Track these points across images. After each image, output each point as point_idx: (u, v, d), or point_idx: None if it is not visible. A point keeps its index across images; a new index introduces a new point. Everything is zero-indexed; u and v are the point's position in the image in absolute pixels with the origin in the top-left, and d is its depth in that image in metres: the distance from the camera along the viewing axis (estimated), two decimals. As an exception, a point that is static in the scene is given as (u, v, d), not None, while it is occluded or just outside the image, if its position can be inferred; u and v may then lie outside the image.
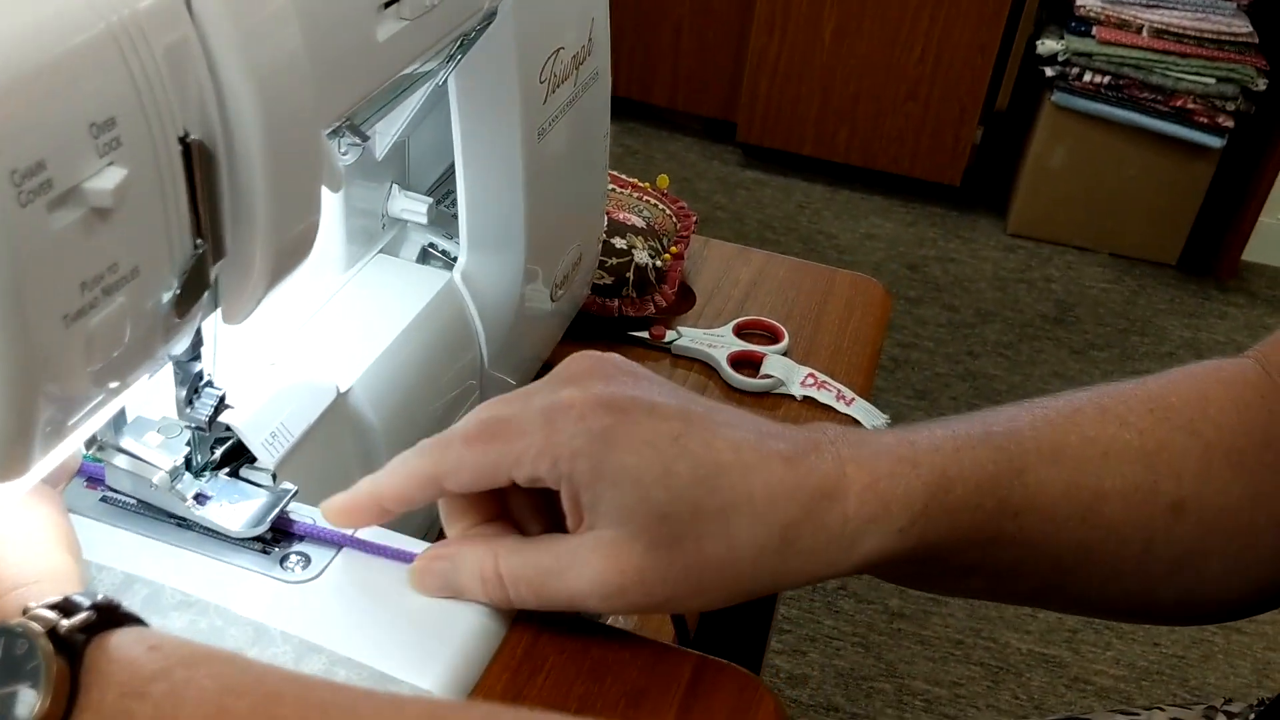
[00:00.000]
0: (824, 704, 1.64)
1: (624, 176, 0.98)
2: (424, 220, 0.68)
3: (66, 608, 0.39)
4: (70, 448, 0.41)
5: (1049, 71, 2.50)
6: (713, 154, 2.85)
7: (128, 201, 0.36)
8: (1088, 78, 2.45)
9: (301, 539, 0.50)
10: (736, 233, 2.56)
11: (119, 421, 0.50)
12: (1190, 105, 2.43)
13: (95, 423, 0.41)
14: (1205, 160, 2.50)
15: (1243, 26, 2.42)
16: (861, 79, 2.62)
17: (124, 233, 0.37)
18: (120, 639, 0.39)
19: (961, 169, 2.67)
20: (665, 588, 0.43)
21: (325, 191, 0.63)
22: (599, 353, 0.47)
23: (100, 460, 0.50)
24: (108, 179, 0.35)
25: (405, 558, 0.48)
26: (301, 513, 0.51)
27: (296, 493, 0.51)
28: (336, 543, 0.49)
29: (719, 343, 0.89)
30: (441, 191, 0.72)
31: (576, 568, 0.44)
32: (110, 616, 0.40)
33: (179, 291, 0.40)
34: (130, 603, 0.47)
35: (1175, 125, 2.46)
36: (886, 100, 2.63)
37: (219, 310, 0.46)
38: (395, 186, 0.69)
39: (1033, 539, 0.47)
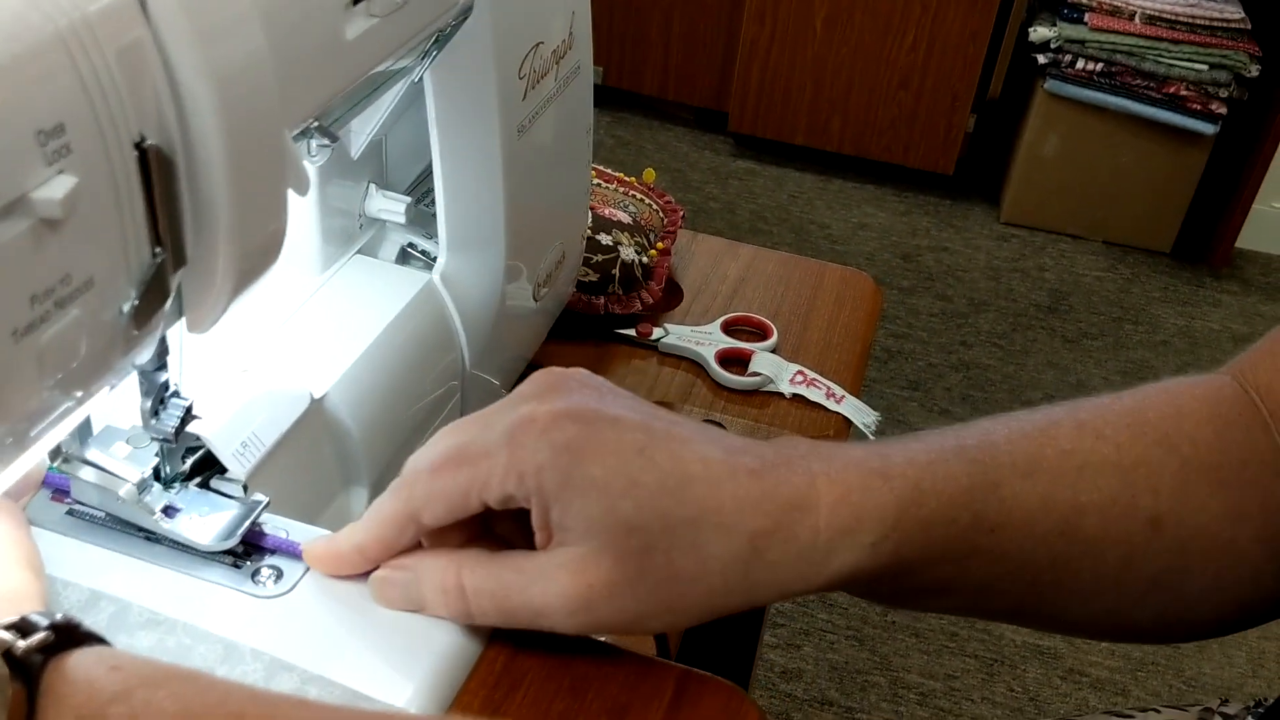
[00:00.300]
0: (818, 698, 1.63)
1: (610, 171, 0.96)
2: (402, 220, 0.67)
3: (23, 628, 0.38)
4: (31, 460, 0.39)
5: (1041, 59, 2.48)
6: (704, 144, 2.84)
7: (79, 211, 0.35)
8: (1080, 65, 2.44)
9: (274, 552, 0.49)
10: (729, 223, 2.54)
11: (84, 432, 0.48)
12: (1183, 92, 2.41)
13: (57, 435, 0.39)
14: (1198, 147, 2.49)
15: (1235, 13, 2.40)
16: (853, 68, 2.60)
17: (76, 243, 0.35)
18: (79, 659, 0.37)
19: (954, 158, 2.66)
20: (634, 603, 0.42)
21: (294, 195, 0.62)
22: (560, 369, 0.46)
23: (65, 473, 0.49)
24: (56, 188, 0.33)
25: None
26: (274, 524, 0.50)
27: (268, 504, 0.50)
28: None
29: (707, 340, 0.87)
30: (420, 190, 0.71)
31: (542, 582, 0.43)
32: (69, 636, 0.38)
33: (138, 302, 0.38)
34: (96, 620, 0.46)
35: (1168, 112, 2.44)
36: (879, 89, 2.61)
37: (183, 319, 0.45)
38: (373, 185, 0.67)
39: (1009, 554, 0.46)
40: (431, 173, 0.65)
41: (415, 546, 0.47)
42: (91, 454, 0.48)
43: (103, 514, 0.50)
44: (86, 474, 0.48)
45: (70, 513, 0.50)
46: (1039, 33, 2.48)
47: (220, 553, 0.48)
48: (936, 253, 2.57)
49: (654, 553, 0.42)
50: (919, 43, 2.54)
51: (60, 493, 0.50)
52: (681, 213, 0.96)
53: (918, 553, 0.44)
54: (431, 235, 0.68)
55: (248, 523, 0.49)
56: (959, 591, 0.47)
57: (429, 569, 0.45)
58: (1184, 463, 0.47)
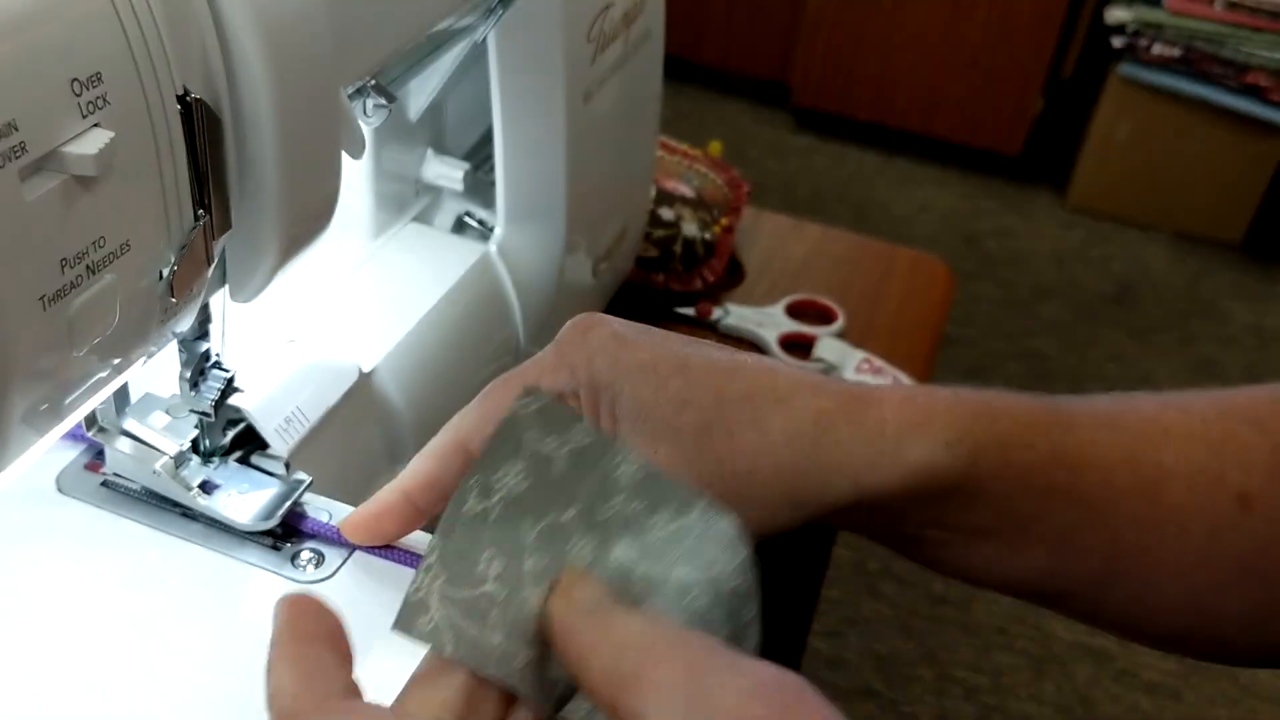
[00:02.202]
0: (862, 689, 1.60)
1: (673, 142, 0.93)
2: (459, 187, 0.64)
3: None
4: (64, 429, 0.37)
5: (1117, 42, 2.41)
6: (764, 118, 2.78)
7: (116, 168, 0.32)
8: (1157, 49, 2.36)
9: (314, 536, 0.46)
10: (786, 200, 2.49)
11: (121, 399, 0.46)
12: (1263, 82, 2.33)
13: (95, 400, 0.37)
14: (1275, 139, 2.41)
15: (1323, -1, 2.32)
16: (921, 43, 2.54)
17: (112, 203, 0.33)
18: None
19: (1022, 139, 2.59)
20: (700, 484, 0.39)
21: (347, 158, 0.59)
22: (598, 313, 0.44)
23: (101, 441, 0.46)
24: (91, 142, 0.31)
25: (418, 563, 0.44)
26: (316, 505, 0.47)
27: (311, 484, 0.47)
28: (350, 546, 0.45)
29: (769, 322, 0.84)
30: (479, 157, 0.68)
31: None
32: None
33: (177, 268, 0.36)
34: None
35: (1246, 101, 2.36)
36: (947, 66, 2.55)
37: (226, 287, 0.42)
38: (430, 151, 0.65)
39: (1090, 501, 0.43)
40: (490, 139, 0.62)
41: None
42: (128, 424, 0.46)
43: (138, 487, 0.47)
44: (122, 444, 0.46)
45: (105, 484, 0.48)
46: (1115, 15, 2.40)
47: (259, 533, 0.46)
48: (1000, 237, 2.51)
49: (712, 429, 0.40)
50: (991, 20, 2.47)
51: (96, 461, 0.48)
52: (746, 189, 0.93)
53: (995, 470, 0.41)
54: (489, 204, 0.65)
55: (289, 503, 0.46)
56: (1039, 539, 0.43)
57: None
58: (1276, 447, 0.44)
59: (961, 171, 2.68)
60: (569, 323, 0.43)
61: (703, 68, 2.80)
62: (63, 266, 0.32)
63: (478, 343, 0.61)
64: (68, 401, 0.36)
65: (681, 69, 2.80)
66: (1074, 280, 2.41)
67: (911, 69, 2.57)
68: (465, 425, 0.42)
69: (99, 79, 0.31)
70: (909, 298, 0.90)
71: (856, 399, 0.41)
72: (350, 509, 0.47)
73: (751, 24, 2.72)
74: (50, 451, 0.48)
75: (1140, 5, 2.38)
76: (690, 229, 0.85)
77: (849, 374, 0.80)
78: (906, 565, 1.77)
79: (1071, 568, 0.45)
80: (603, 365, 0.41)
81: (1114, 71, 2.44)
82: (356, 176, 0.61)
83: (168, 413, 0.48)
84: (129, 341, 0.36)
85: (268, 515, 0.46)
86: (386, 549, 0.45)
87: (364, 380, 0.52)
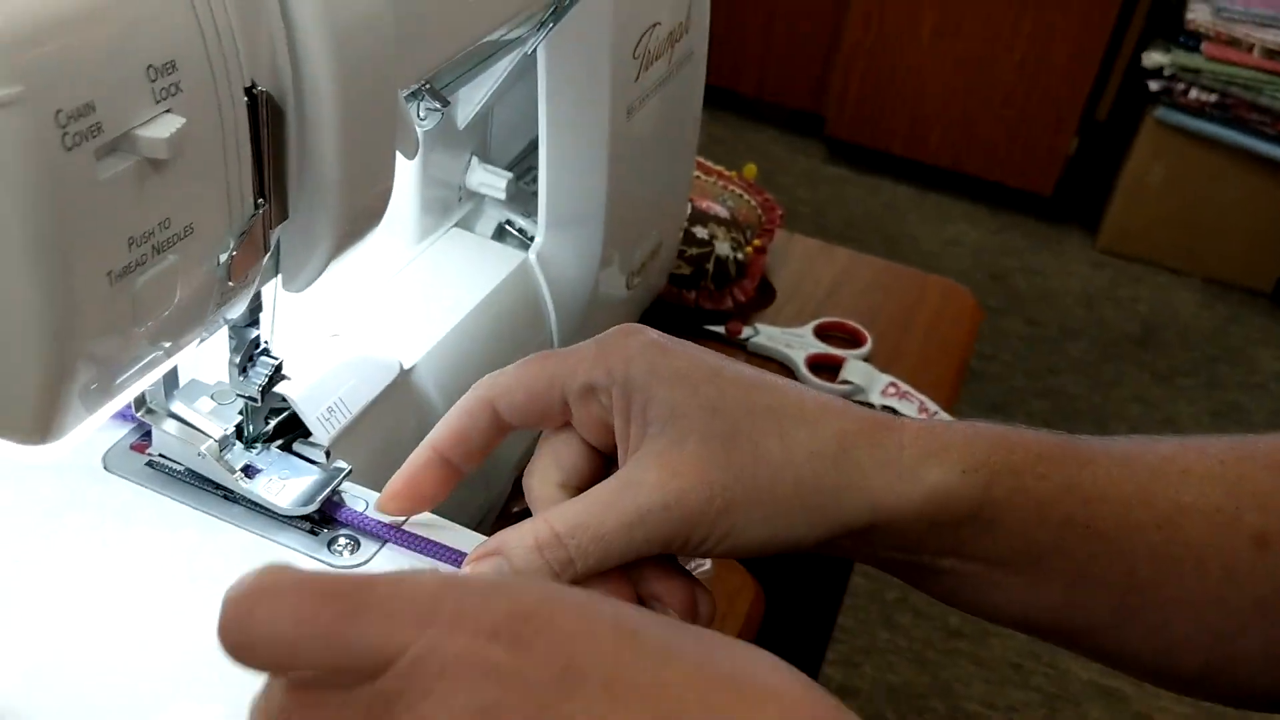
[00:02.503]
0: (874, 719, 1.60)
1: (710, 164, 0.94)
2: (502, 195, 0.66)
3: None
4: (117, 406, 0.38)
5: (1153, 85, 2.41)
6: (798, 147, 2.80)
7: (185, 153, 0.33)
8: (1193, 94, 2.36)
9: (349, 525, 0.47)
10: (818, 229, 2.51)
11: (170, 383, 0.47)
12: (1300, 130, 2.33)
13: (144, 382, 0.38)
14: (1311, 187, 2.40)
15: (1363, 50, 2.32)
16: (957, 79, 2.55)
17: (179, 187, 0.34)
18: None
19: (1054, 179, 2.60)
20: (724, 491, 0.40)
21: (401, 160, 0.61)
22: (640, 324, 0.46)
23: (148, 423, 0.48)
24: (163, 127, 0.32)
25: (453, 558, 0.45)
26: (354, 494, 0.48)
27: (350, 472, 0.48)
28: (382, 537, 0.47)
29: (797, 343, 0.85)
30: (523, 168, 0.69)
31: (632, 487, 0.41)
32: None
33: (235, 253, 0.37)
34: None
35: (1281, 149, 2.36)
36: (982, 103, 2.56)
37: (279, 276, 0.43)
38: (475, 159, 0.66)
39: (1106, 533, 0.43)
40: (534, 150, 0.64)
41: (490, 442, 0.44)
42: (176, 406, 0.48)
43: (182, 468, 0.49)
44: (169, 426, 0.47)
45: (150, 464, 0.49)
46: (1153, 59, 2.41)
47: (296, 518, 0.47)
48: (1028, 275, 2.51)
49: (739, 436, 0.41)
50: (1027, 59, 2.48)
51: (143, 441, 0.50)
52: (780, 212, 0.94)
53: (1010, 499, 0.42)
54: (530, 214, 0.66)
55: (328, 490, 0.47)
56: (1056, 573, 0.44)
57: (513, 535, 0.42)
58: None
59: (993, 208, 2.68)
60: (613, 328, 0.44)
61: (739, 95, 2.82)
62: (130, 245, 0.33)
63: (513, 347, 0.62)
64: (122, 379, 0.37)
65: (718, 96, 2.82)
66: (1101, 320, 2.41)
67: (946, 105, 2.58)
68: (496, 385, 0.44)
69: (173, 67, 0.32)
70: (936, 326, 0.91)
71: (878, 424, 0.43)
72: (387, 499, 0.48)
73: (788, 54, 2.74)
74: (99, 430, 0.50)
75: (1178, 50, 2.39)
76: (723, 248, 0.86)
77: (875, 397, 0.81)
78: (923, 596, 1.77)
79: (1088, 602, 0.45)
80: (640, 369, 0.42)
81: (1149, 115, 2.44)
82: (404, 181, 0.62)
83: (213, 398, 0.49)
84: (186, 322, 0.38)
85: (307, 501, 0.47)
86: (419, 541, 0.46)
87: (404, 376, 0.54)
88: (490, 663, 0.29)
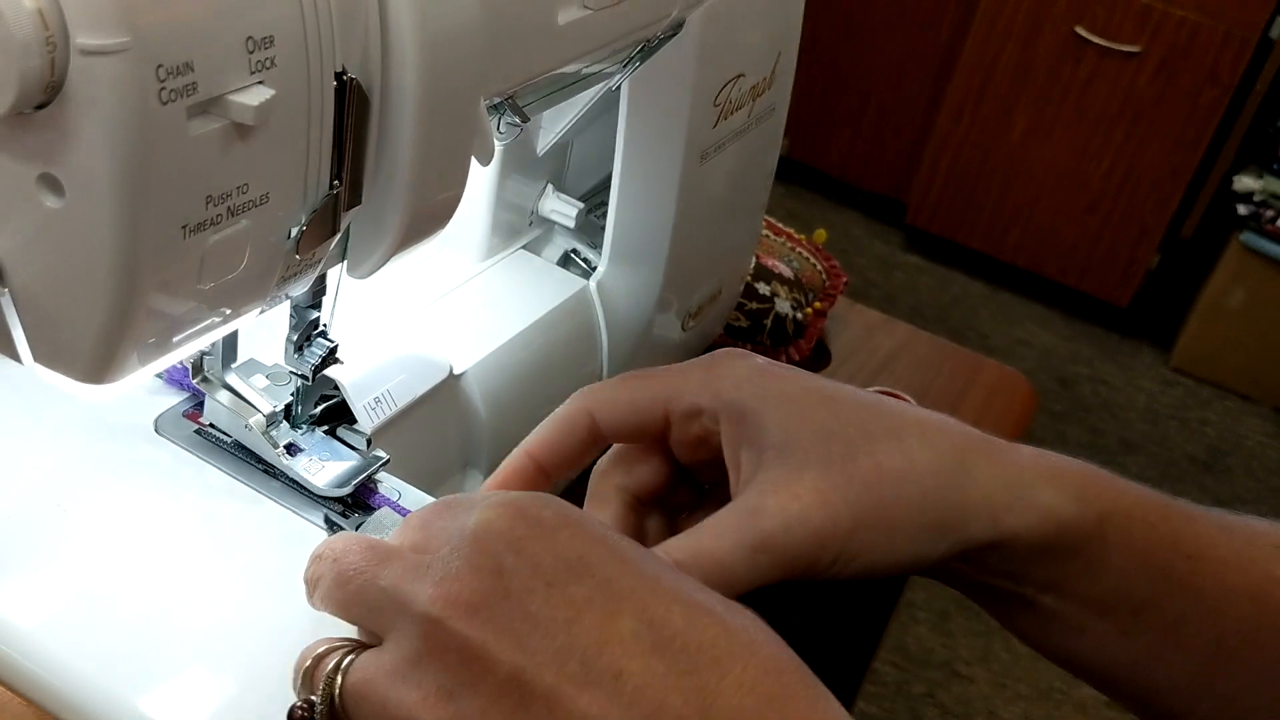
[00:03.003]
0: (887, 809, 1.57)
1: (780, 225, 0.96)
2: (571, 224, 0.67)
3: None
4: (173, 360, 0.40)
5: (1241, 209, 2.39)
6: (876, 231, 2.81)
7: (271, 124, 0.35)
8: (1281, 222, 2.35)
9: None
10: (886, 313, 2.50)
11: (229, 356, 0.49)
12: (1388, 270, 2.29)
13: (200, 343, 0.40)
14: (1394, 329, 2.36)
15: None
16: (1044, 182, 2.55)
17: (261, 156, 0.36)
18: None
19: (1132, 292, 2.58)
20: (847, 508, 0.39)
21: (478, 179, 0.62)
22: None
23: (203, 391, 0.50)
24: (254, 96, 0.34)
25: None
26: (389, 484, 0.50)
27: (387, 462, 0.50)
28: None
29: (847, 408, 0.85)
30: (595, 201, 0.71)
31: (755, 513, 0.39)
32: None
33: (305, 228, 0.39)
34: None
35: (1367, 288, 2.32)
36: (1066, 208, 2.55)
37: (344, 263, 0.45)
38: (550, 186, 0.68)
39: (1204, 592, 0.43)
40: (608, 185, 0.65)
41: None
42: (231, 379, 0.49)
43: (229, 440, 0.50)
44: (222, 397, 0.49)
45: (198, 432, 0.51)
46: (1244, 182, 2.39)
47: (331, 499, 0.49)
48: (1095, 384, 2.48)
49: (858, 455, 0.40)
50: (1116, 169, 2.48)
51: (194, 411, 0.51)
52: (845, 279, 0.95)
53: (1118, 540, 0.42)
54: (597, 245, 0.68)
55: (364, 475, 0.49)
56: (1150, 625, 0.43)
57: None
58: None
59: (1066, 314, 2.67)
60: (717, 350, 0.45)
61: (823, 174, 2.84)
62: (207, 203, 0.35)
63: (562, 371, 0.63)
64: (181, 334, 0.39)
65: (802, 172, 2.84)
66: (1165, 439, 2.37)
67: (1030, 205, 2.58)
68: (596, 396, 0.44)
69: (271, 42, 0.34)
70: (988, 410, 0.91)
71: (994, 443, 0.42)
72: (420, 493, 0.50)
73: (877, 139, 2.76)
74: (154, 394, 0.51)
75: (1270, 176, 2.37)
76: (783, 306, 0.87)
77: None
78: (952, 695, 1.74)
79: (1172, 662, 0.44)
80: (749, 393, 0.41)
81: (1235, 238, 2.42)
82: (478, 199, 0.64)
83: (269, 378, 0.51)
84: (249, 290, 0.39)
85: (342, 483, 0.48)
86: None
87: (453, 380, 0.55)
88: (516, 535, 0.34)
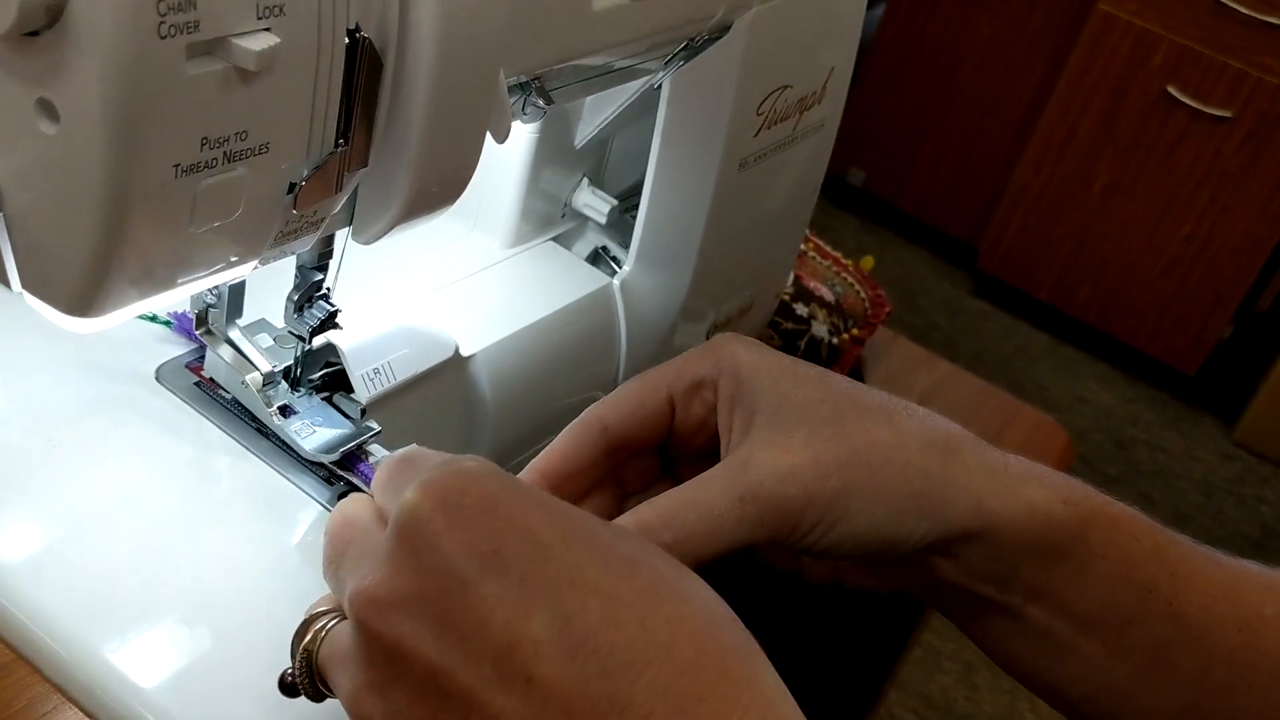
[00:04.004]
0: None
1: (828, 248, 0.94)
2: (603, 220, 0.67)
3: None
4: (161, 304, 0.40)
5: (1323, 286, 2.33)
6: (944, 273, 2.78)
7: (274, 72, 0.35)
8: (1364, 304, 2.28)
9: (366, 481, 0.48)
10: (946, 357, 2.46)
11: (234, 311, 0.49)
12: None
13: (190, 289, 0.40)
14: None
15: None
16: (1119, 240, 2.50)
17: (264, 104, 0.36)
18: None
19: (1200, 360, 2.52)
20: (840, 469, 0.40)
21: (511, 163, 0.62)
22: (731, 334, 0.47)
23: (205, 343, 0.50)
24: (258, 41, 0.34)
25: None
26: (377, 455, 0.49)
27: (379, 433, 0.49)
28: None
29: (873, 439, 0.84)
30: (631, 201, 0.70)
31: (744, 465, 0.40)
32: None
33: (304, 183, 0.39)
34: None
35: None
36: (1140, 269, 2.50)
37: (350, 228, 0.45)
38: (586, 180, 0.67)
39: (1189, 620, 0.42)
40: (644, 185, 0.65)
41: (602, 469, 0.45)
42: (234, 334, 0.49)
43: (228, 396, 0.50)
44: (223, 351, 0.49)
45: (198, 384, 0.51)
46: (1327, 259, 2.33)
47: (318, 464, 0.48)
48: (1152, 450, 2.43)
49: (847, 420, 0.41)
50: (1196, 234, 2.43)
51: (196, 364, 0.51)
52: (888, 309, 0.93)
53: (1102, 546, 0.42)
54: (628, 244, 0.67)
55: (353, 443, 0.48)
56: (1136, 646, 0.43)
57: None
58: None
59: (1130, 376, 2.61)
60: (715, 336, 0.46)
61: (898, 210, 2.82)
62: (203, 145, 0.35)
63: (576, 367, 0.63)
64: (171, 277, 0.39)
65: (877, 206, 2.82)
66: (1219, 513, 2.31)
67: (1104, 262, 2.54)
68: (603, 404, 0.45)
69: (281, -10, 0.34)
70: (1022, 454, 0.89)
71: (982, 441, 0.43)
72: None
73: (955, 182, 2.73)
74: (160, 341, 0.52)
75: (1355, 256, 2.31)
76: (820, 330, 0.85)
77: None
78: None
79: (1159, 690, 0.44)
80: (746, 362, 0.43)
81: (1312, 315, 2.36)
82: (510, 185, 0.64)
83: (274, 339, 0.51)
84: (245, 240, 0.39)
85: (330, 449, 0.48)
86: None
87: (459, 361, 0.55)
88: (435, 529, 0.33)
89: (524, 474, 0.45)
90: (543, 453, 0.45)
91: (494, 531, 0.33)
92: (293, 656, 0.37)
